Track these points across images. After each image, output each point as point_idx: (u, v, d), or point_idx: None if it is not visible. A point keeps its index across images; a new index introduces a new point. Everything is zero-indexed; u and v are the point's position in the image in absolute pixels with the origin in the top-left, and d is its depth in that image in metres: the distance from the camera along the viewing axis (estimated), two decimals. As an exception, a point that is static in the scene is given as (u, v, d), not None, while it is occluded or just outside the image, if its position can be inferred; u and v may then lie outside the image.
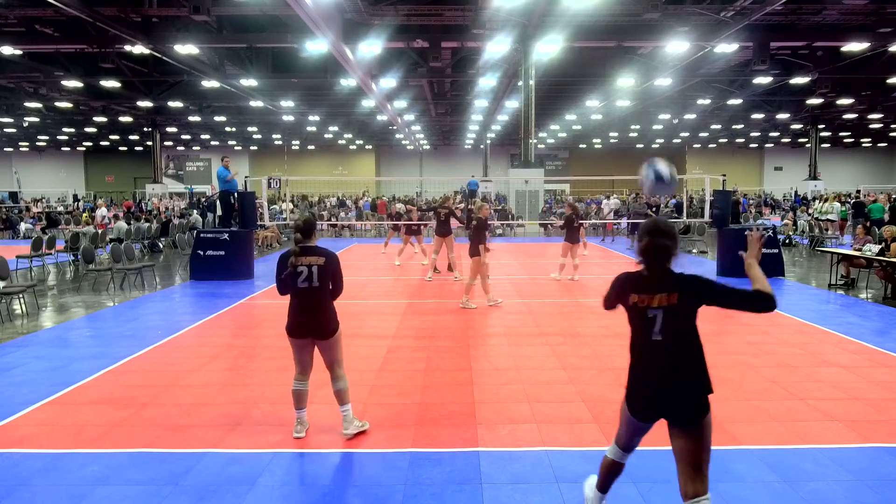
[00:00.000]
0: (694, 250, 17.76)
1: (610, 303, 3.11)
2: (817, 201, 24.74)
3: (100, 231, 17.07)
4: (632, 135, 49.04)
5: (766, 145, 55.21)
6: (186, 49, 19.65)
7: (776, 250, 12.52)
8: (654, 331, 2.80)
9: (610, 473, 3.22)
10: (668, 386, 2.80)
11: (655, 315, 2.79)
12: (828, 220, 20.10)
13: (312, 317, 4.38)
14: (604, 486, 3.28)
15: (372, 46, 19.89)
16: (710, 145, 55.56)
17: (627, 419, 3.00)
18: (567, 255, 12.03)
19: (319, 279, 4.34)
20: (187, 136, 48.60)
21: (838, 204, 21.28)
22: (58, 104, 31.08)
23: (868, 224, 14.69)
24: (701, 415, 2.77)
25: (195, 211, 28.17)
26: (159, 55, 20.68)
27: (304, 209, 30.38)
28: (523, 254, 17.13)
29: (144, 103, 30.54)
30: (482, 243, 9.32)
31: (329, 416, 4.81)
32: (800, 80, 25.36)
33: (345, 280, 4.57)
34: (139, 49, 19.75)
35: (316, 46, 19.43)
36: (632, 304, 2.88)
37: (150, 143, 40.80)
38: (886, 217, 17.69)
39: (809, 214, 23.34)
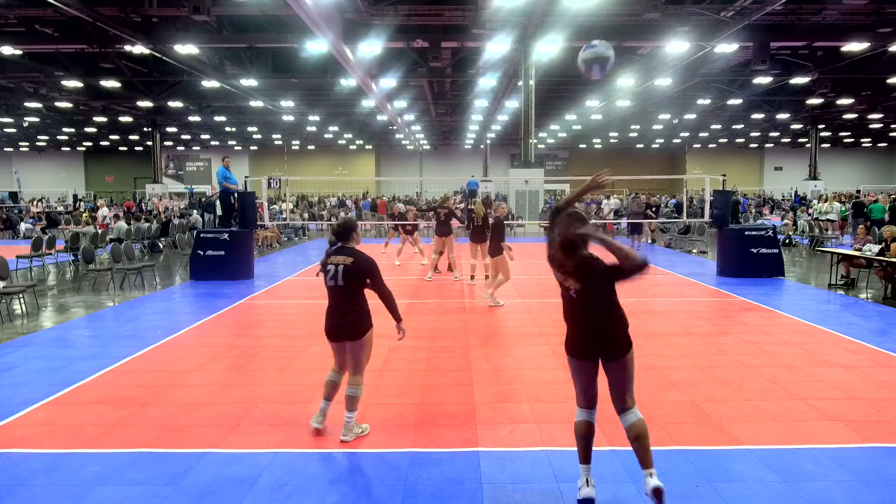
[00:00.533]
0: (694, 250, 17.75)
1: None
2: (817, 201, 24.73)
3: (100, 231, 17.08)
4: (632, 135, 49.02)
5: (766, 145, 55.16)
6: (186, 49, 19.63)
7: (776, 250, 12.51)
8: (573, 298, 3.53)
9: (585, 438, 3.62)
10: (590, 335, 3.53)
11: (571, 287, 3.50)
12: (828, 220, 20.10)
13: (340, 316, 4.48)
14: (585, 457, 3.62)
15: (372, 46, 19.86)
16: (710, 145, 55.52)
17: (572, 366, 3.65)
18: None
19: (343, 278, 4.40)
20: (187, 136, 48.56)
21: (838, 204, 21.28)
22: (58, 104, 31.04)
23: (868, 224, 14.70)
24: (623, 352, 3.49)
25: (195, 211, 28.15)
26: (159, 55, 20.67)
27: (304, 209, 30.52)
28: (523, 254, 17.09)
29: (144, 103, 30.53)
30: (502, 241, 9.51)
31: (332, 416, 4.80)
32: (800, 80, 25.35)
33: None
34: (139, 49, 19.73)
35: (316, 46, 19.42)
36: (556, 277, 3.58)
37: (150, 143, 40.78)
38: (886, 217, 17.69)
39: (809, 214, 23.33)
